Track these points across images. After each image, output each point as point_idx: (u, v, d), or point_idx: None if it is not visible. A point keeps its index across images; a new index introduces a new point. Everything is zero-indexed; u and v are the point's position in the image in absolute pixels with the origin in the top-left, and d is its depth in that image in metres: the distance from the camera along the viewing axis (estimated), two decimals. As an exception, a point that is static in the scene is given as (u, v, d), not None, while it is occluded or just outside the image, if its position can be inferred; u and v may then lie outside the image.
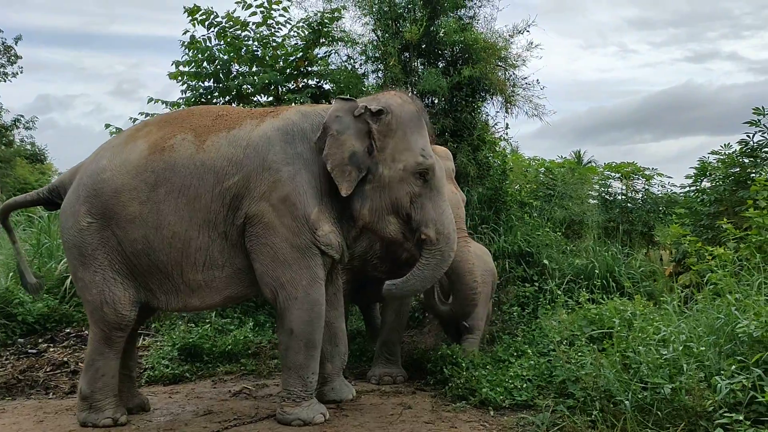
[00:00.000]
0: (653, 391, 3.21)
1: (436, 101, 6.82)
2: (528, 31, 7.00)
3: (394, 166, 3.54)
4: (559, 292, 5.20)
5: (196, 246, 3.49)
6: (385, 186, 3.56)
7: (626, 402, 3.17)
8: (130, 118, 6.49)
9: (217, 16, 6.41)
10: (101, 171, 3.60)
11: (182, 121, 3.70)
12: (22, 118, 17.47)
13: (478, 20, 7.14)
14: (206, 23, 6.39)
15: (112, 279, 3.55)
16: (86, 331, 6.23)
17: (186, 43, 6.44)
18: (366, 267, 4.55)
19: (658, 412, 3.14)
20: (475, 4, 7.14)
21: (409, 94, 3.92)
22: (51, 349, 5.57)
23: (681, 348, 3.35)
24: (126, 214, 3.49)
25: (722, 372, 3.11)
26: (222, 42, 6.40)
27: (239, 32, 6.48)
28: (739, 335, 3.26)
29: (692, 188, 6.49)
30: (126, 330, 3.63)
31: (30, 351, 5.53)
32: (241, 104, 6.63)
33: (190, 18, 6.39)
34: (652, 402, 3.18)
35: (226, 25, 6.44)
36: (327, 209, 3.54)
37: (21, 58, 16.85)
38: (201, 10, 6.40)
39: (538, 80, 7.13)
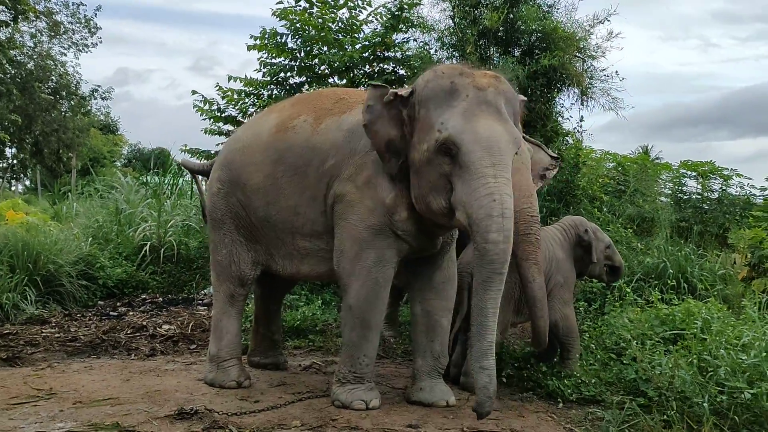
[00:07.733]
0: (731, 396, 3.16)
1: (511, 90, 6.77)
2: (609, 20, 6.89)
3: (420, 148, 3.27)
4: (629, 290, 5.12)
5: (305, 218, 3.69)
6: (417, 171, 3.31)
7: (705, 404, 3.13)
8: (217, 85, 6.91)
9: None
10: (236, 141, 4.08)
11: (310, 101, 3.91)
12: (99, 89, 18.11)
13: (558, 9, 7.08)
14: None
15: (238, 240, 3.94)
16: (161, 298, 6.53)
17: (277, 11, 6.58)
18: None
19: (736, 417, 3.09)
20: (555, -8, 7.06)
21: (451, 65, 3.46)
22: (130, 313, 5.86)
23: (763, 354, 3.28)
24: (252, 184, 3.81)
25: (807, 381, 3.04)
26: (305, 23, 6.49)
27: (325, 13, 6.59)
28: (826, 344, 3.18)
29: (773, 191, 6.27)
30: (247, 287, 4.02)
31: (111, 314, 5.83)
32: (315, 85, 6.74)
33: None
34: (730, 407, 3.13)
35: (316, 2, 6.58)
36: (404, 195, 3.45)
37: (101, 29, 17.37)
38: None
39: (617, 72, 7.01)
